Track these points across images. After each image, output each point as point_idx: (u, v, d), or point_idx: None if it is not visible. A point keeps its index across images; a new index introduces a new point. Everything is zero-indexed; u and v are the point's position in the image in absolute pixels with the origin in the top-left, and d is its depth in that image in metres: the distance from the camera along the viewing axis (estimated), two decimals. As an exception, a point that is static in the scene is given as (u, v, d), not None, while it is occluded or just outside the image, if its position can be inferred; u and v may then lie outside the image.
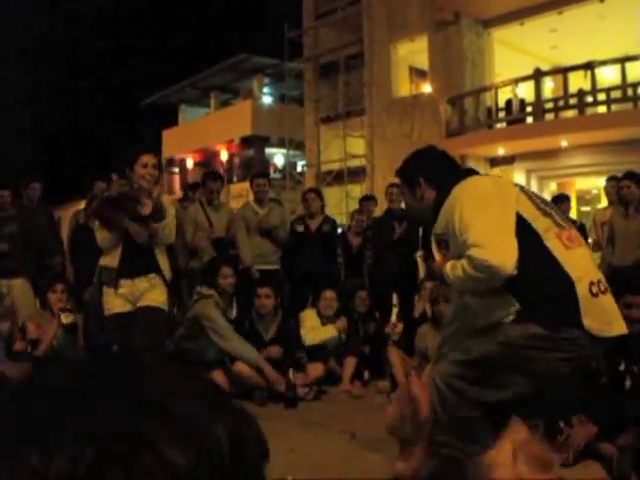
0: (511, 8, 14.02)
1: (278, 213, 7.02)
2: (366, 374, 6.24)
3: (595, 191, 14.08)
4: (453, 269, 2.68)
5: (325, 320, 6.36)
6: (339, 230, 8.24)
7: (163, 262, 4.66)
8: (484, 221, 2.64)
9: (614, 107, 12.82)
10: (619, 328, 2.66)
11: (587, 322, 2.54)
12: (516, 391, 2.61)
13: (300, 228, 7.20)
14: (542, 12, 13.81)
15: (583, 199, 15.05)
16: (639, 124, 11.54)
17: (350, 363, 6.12)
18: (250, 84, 26.17)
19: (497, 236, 2.60)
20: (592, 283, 2.60)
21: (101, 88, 39.41)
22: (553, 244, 2.64)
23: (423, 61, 15.98)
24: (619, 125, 11.81)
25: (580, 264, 2.65)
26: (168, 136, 28.76)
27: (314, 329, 6.25)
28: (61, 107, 39.86)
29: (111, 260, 4.62)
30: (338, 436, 4.54)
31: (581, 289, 2.57)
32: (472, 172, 3.11)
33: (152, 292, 4.55)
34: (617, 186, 6.53)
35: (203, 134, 25.81)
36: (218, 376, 5.80)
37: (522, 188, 2.89)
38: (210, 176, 7.32)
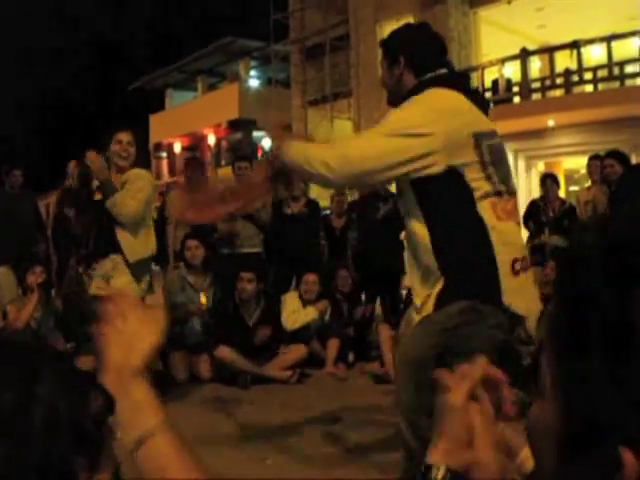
0: (497, -13, 13.95)
1: (260, 196, 6.97)
2: (351, 356, 6.24)
3: (583, 170, 13.98)
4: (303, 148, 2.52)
5: (306, 303, 6.34)
6: (323, 213, 8.20)
7: (125, 242, 4.47)
8: (400, 133, 2.38)
9: (601, 86, 12.81)
10: (535, 307, 2.56)
11: (506, 299, 2.41)
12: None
13: (283, 211, 7.16)
14: (527, -11, 13.75)
15: (571, 179, 15.05)
16: (626, 103, 11.52)
17: (333, 345, 6.10)
18: (237, 67, 26.03)
19: (394, 141, 2.38)
20: (516, 260, 2.45)
21: (88, 72, 39.10)
22: (486, 214, 2.42)
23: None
24: (606, 104, 11.77)
25: (508, 239, 2.46)
26: (155, 121, 28.60)
27: (294, 312, 6.23)
28: (49, 93, 39.57)
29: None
30: (321, 418, 4.53)
31: (503, 265, 2.41)
32: (457, 77, 2.78)
33: (116, 276, 4.42)
34: (600, 165, 6.51)
35: (190, 118, 25.68)
36: (204, 361, 5.80)
37: (478, 138, 2.44)
38: (189, 163, 7.34)
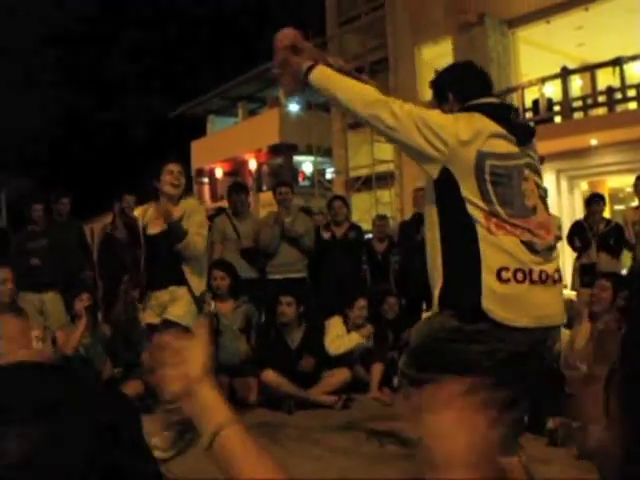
0: (536, 7, 13.91)
1: (303, 221, 7.02)
2: (395, 380, 6.20)
3: (628, 189, 13.83)
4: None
5: (351, 328, 6.34)
6: (366, 237, 8.25)
7: (191, 276, 4.60)
8: (424, 115, 2.57)
9: (644, 103, 12.61)
10: (527, 320, 2.52)
11: (485, 304, 2.47)
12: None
13: (326, 235, 7.19)
14: (568, 9, 13.67)
15: (616, 198, 14.81)
16: (670, 119, 11.33)
17: (377, 369, 6.09)
18: (277, 93, 26.28)
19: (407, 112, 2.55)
20: (505, 268, 2.49)
21: (129, 100, 39.91)
22: (480, 229, 2.53)
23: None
24: (650, 122, 11.60)
25: (502, 248, 2.52)
26: (197, 147, 28.99)
27: (339, 337, 6.23)
28: (90, 119, 40.46)
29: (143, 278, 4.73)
30: (367, 442, 4.51)
31: (488, 270, 2.49)
32: (499, 109, 2.81)
33: (174, 305, 4.53)
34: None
35: (231, 144, 25.98)
36: (250, 385, 5.83)
37: (482, 156, 2.57)
38: (234, 188, 7.38)
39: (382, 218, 8.24)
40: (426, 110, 2.63)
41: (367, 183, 17.47)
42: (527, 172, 2.67)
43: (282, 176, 20.79)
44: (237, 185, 7.66)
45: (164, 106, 29.91)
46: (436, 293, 2.62)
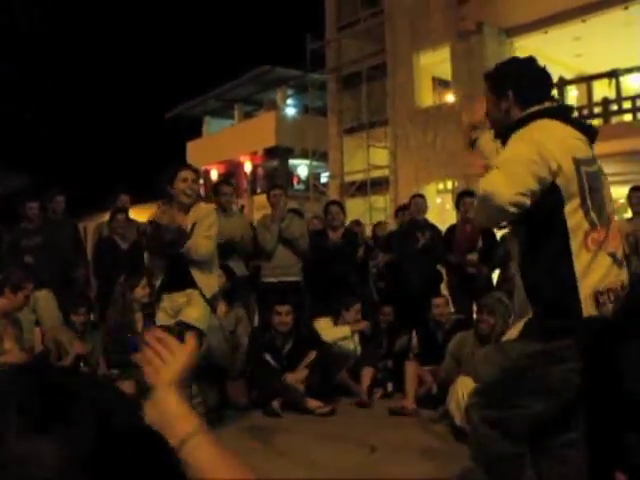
0: (534, 17, 13.95)
1: (298, 224, 7.02)
2: (390, 386, 6.24)
3: (622, 200, 13.84)
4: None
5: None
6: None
7: (201, 278, 4.61)
8: (517, 159, 2.43)
9: (640, 115, 12.68)
10: None
11: None
12: (535, 411, 2.48)
13: (322, 240, 7.20)
14: (566, 20, 13.72)
15: (609, 208, 14.87)
16: (666, 132, 11.39)
17: (367, 374, 6.12)
18: (273, 95, 26.30)
19: (514, 168, 2.40)
20: (600, 292, 2.44)
21: (125, 99, 39.87)
22: (576, 243, 2.46)
23: (446, 71, 15.94)
24: (645, 134, 11.67)
25: (594, 270, 2.47)
26: (192, 148, 28.97)
27: (325, 329, 6.29)
28: (85, 117, 40.40)
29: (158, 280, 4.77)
30: (357, 449, 4.51)
31: (586, 297, 2.43)
32: (564, 110, 2.76)
33: (188, 308, 4.56)
34: (640, 197, 6.46)
35: (227, 146, 25.97)
36: (239, 387, 5.84)
37: (578, 164, 2.50)
38: (222, 182, 7.62)
39: (358, 223, 8.41)
40: (507, 160, 2.47)
41: (362, 188, 17.47)
42: (603, 177, 2.65)
43: (277, 179, 20.81)
44: (224, 180, 7.80)
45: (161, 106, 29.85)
46: (524, 320, 2.57)
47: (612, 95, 12.93)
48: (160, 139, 30.18)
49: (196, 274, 4.59)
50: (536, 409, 2.48)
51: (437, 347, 5.89)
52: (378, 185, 17.17)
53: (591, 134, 2.68)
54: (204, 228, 4.58)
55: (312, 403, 5.62)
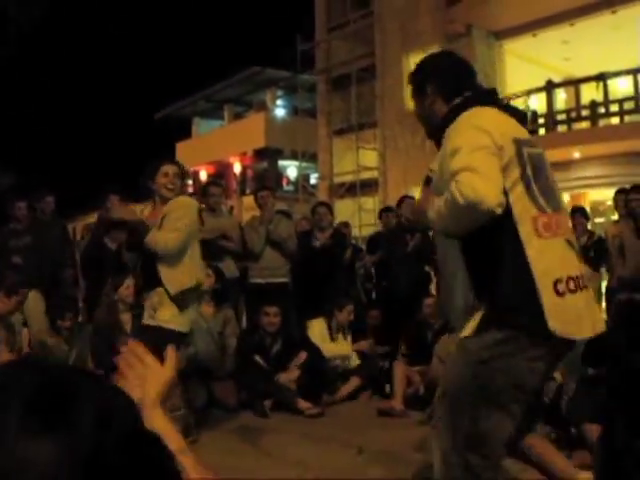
0: (523, 20, 14.03)
1: (285, 225, 7.04)
2: (387, 388, 6.28)
3: (609, 202, 13.97)
4: (437, 204, 2.31)
5: (336, 332, 6.42)
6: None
7: (166, 274, 4.36)
8: (476, 149, 2.24)
9: (627, 118, 12.77)
10: (587, 330, 2.32)
11: (551, 323, 2.21)
12: (512, 411, 2.30)
13: (310, 241, 7.22)
14: (554, 23, 13.82)
15: (597, 211, 14.96)
16: (652, 136, 11.49)
17: (353, 382, 6.26)
18: (263, 97, 26.31)
19: (485, 165, 2.21)
20: (558, 280, 2.25)
21: (115, 99, 39.76)
22: (525, 229, 2.27)
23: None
24: (632, 136, 11.75)
25: (550, 257, 2.28)
26: (182, 148, 28.92)
27: (324, 343, 6.30)
28: (75, 117, 40.23)
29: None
30: (345, 449, 4.53)
31: (545, 287, 2.23)
32: (490, 95, 2.63)
33: (162, 308, 4.35)
34: (625, 199, 6.50)
35: (216, 146, 25.96)
36: (228, 388, 5.86)
37: (519, 145, 2.33)
38: (212, 182, 7.67)
39: (347, 225, 8.42)
40: (471, 159, 2.25)
41: (351, 189, 17.51)
42: (547, 161, 2.48)
43: (266, 180, 20.80)
44: (213, 181, 7.82)
45: (150, 106, 29.81)
46: (477, 316, 2.31)
47: (600, 98, 13.02)
48: (149, 139, 30.12)
49: (162, 270, 4.35)
50: (513, 410, 2.30)
51: (426, 347, 5.91)
52: (367, 186, 17.20)
53: (520, 117, 2.54)
54: (171, 221, 4.35)
55: (302, 404, 5.65)
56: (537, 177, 2.33)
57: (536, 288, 2.22)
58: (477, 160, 2.21)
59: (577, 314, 2.29)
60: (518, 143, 2.33)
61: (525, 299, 2.24)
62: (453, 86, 2.57)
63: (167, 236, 4.31)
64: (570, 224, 2.43)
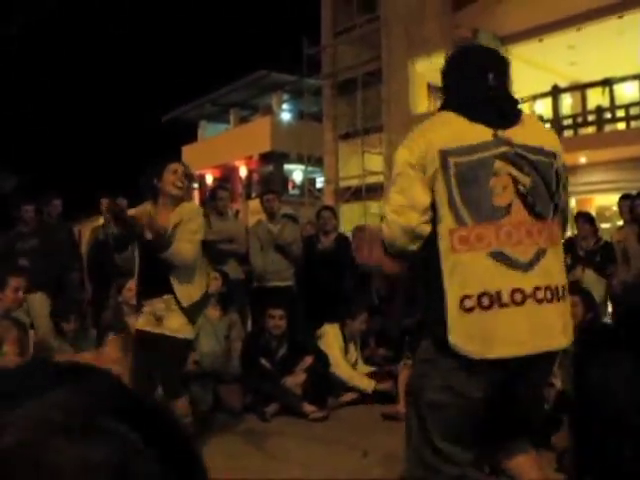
0: (529, 24, 14.04)
1: (291, 229, 7.06)
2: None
3: (615, 208, 13.95)
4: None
5: (348, 341, 6.43)
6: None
7: (180, 288, 4.20)
8: (398, 173, 2.36)
9: (633, 124, 12.77)
10: (507, 349, 2.19)
11: (450, 337, 2.21)
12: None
13: (314, 245, 7.23)
14: (561, 28, 13.81)
15: (603, 216, 14.94)
16: (658, 140, 11.49)
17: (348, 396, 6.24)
18: (269, 100, 26.36)
19: (404, 194, 2.32)
20: (467, 296, 2.20)
21: (123, 102, 39.89)
22: (443, 244, 2.26)
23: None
24: (638, 142, 11.74)
25: (461, 272, 2.23)
26: (188, 152, 28.98)
27: (349, 368, 6.31)
28: (82, 120, 40.37)
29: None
30: (350, 453, 4.54)
31: (452, 301, 2.22)
32: (460, 98, 2.50)
33: (169, 317, 4.18)
34: (631, 205, 6.51)
35: (222, 150, 26.01)
36: (234, 391, 5.87)
37: (445, 160, 2.29)
38: (220, 186, 7.67)
39: (362, 229, 8.36)
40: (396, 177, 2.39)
41: (357, 193, 17.52)
42: (499, 164, 2.28)
43: (272, 184, 20.82)
44: (221, 185, 7.84)
45: (158, 109, 29.89)
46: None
47: (606, 103, 13.02)
48: (156, 142, 30.17)
49: (175, 281, 4.18)
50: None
51: None
52: (373, 191, 17.20)
53: (498, 116, 2.39)
54: (189, 232, 4.20)
55: (307, 408, 5.66)
56: (464, 187, 2.26)
57: (444, 303, 2.21)
58: (397, 187, 2.33)
59: (486, 332, 2.20)
60: (443, 154, 2.28)
61: (438, 314, 2.24)
62: (453, 89, 2.59)
63: (186, 247, 4.17)
64: (520, 234, 2.27)
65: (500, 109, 2.42)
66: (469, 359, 2.20)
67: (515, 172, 2.28)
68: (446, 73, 2.62)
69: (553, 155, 2.42)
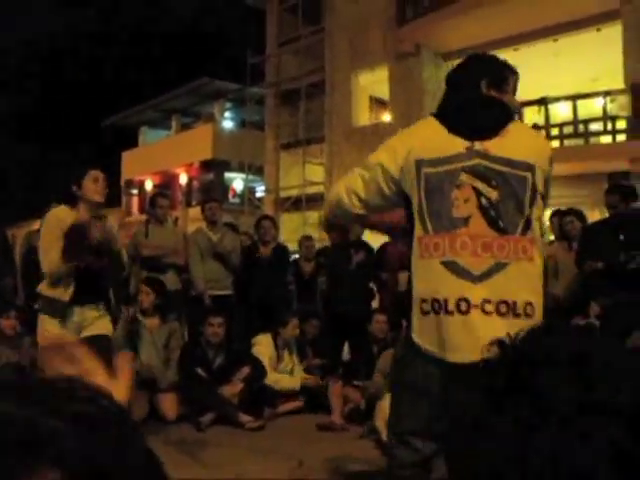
0: (469, 43, 14.33)
1: (231, 238, 7.05)
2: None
3: (547, 223, 14.36)
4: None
5: (282, 349, 6.43)
6: (293, 257, 8.30)
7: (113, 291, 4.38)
8: (366, 166, 2.62)
9: (566, 142, 13.17)
10: (456, 355, 2.25)
11: (414, 336, 2.39)
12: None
13: (253, 255, 7.23)
14: (498, 48, 14.11)
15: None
16: (590, 159, 11.90)
17: (292, 404, 6.30)
18: (211, 108, 26.24)
19: (359, 180, 2.61)
20: (423, 300, 2.35)
21: (61, 105, 39.11)
22: (415, 250, 2.41)
23: (383, 91, 16.21)
24: (571, 160, 12.10)
25: (421, 277, 2.39)
26: (128, 157, 28.63)
27: (272, 376, 6.28)
28: (20, 123, 39.42)
29: (60, 292, 4.15)
30: (285, 462, 4.56)
31: (414, 303, 2.40)
32: (446, 105, 2.61)
33: (100, 321, 4.24)
34: (559, 222, 6.74)
35: (163, 156, 25.75)
36: (170, 400, 5.82)
37: (419, 170, 2.40)
38: (160, 194, 7.57)
39: (309, 239, 8.34)
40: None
41: (297, 203, 17.56)
42: (463, 177, 2.34)
43: (212, 192, 20.70)
44: (161, 193, 7.77)
45: (97, 114, 29.39)
46: None
47: (541, 122, 13.40)
48: (95, 147, 29.69)
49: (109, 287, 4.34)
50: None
51: (372, 360, 5.98)
52: (313, 201, 17.27)
53: (472, 127, 2.42)
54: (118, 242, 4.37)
55: (244, 417, 5.65)
56: (430, 197, 2.36)
57: (412, 303, 2.41)
58: (364, 173, 2.57)
59: (439, 335, 2.30)
60: (418, 164, 2.39)
61: (409, 313, 2.44)
62: (445, 95, 2.67)
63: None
64: (474, 246, 2.30)
65: (482, 119, 2.46)
66: (431, 356, 2.35)
67: (481, 185, 2.33)
68: (446, 79, 2.71)
69: (531, 168, 2.39)
